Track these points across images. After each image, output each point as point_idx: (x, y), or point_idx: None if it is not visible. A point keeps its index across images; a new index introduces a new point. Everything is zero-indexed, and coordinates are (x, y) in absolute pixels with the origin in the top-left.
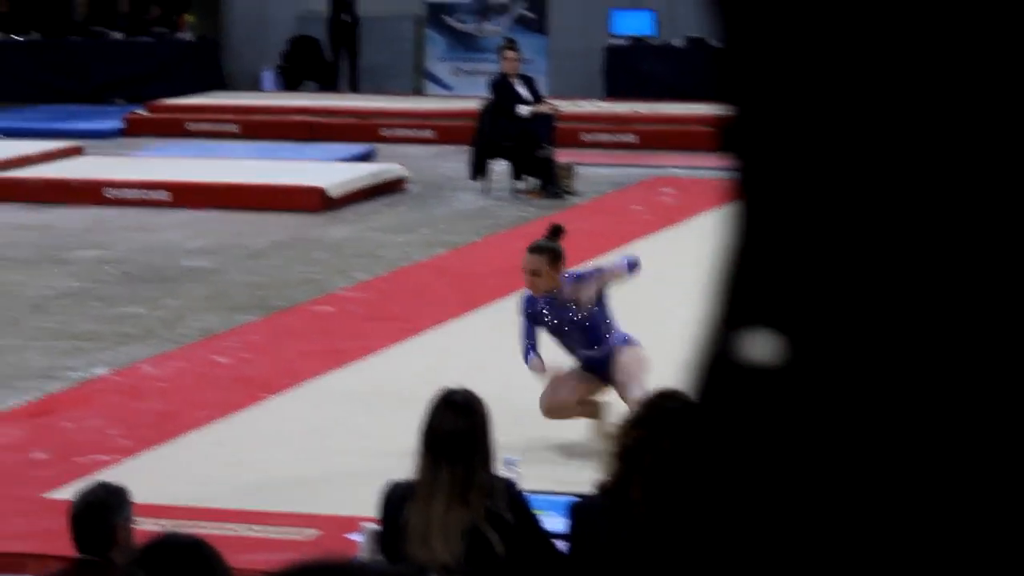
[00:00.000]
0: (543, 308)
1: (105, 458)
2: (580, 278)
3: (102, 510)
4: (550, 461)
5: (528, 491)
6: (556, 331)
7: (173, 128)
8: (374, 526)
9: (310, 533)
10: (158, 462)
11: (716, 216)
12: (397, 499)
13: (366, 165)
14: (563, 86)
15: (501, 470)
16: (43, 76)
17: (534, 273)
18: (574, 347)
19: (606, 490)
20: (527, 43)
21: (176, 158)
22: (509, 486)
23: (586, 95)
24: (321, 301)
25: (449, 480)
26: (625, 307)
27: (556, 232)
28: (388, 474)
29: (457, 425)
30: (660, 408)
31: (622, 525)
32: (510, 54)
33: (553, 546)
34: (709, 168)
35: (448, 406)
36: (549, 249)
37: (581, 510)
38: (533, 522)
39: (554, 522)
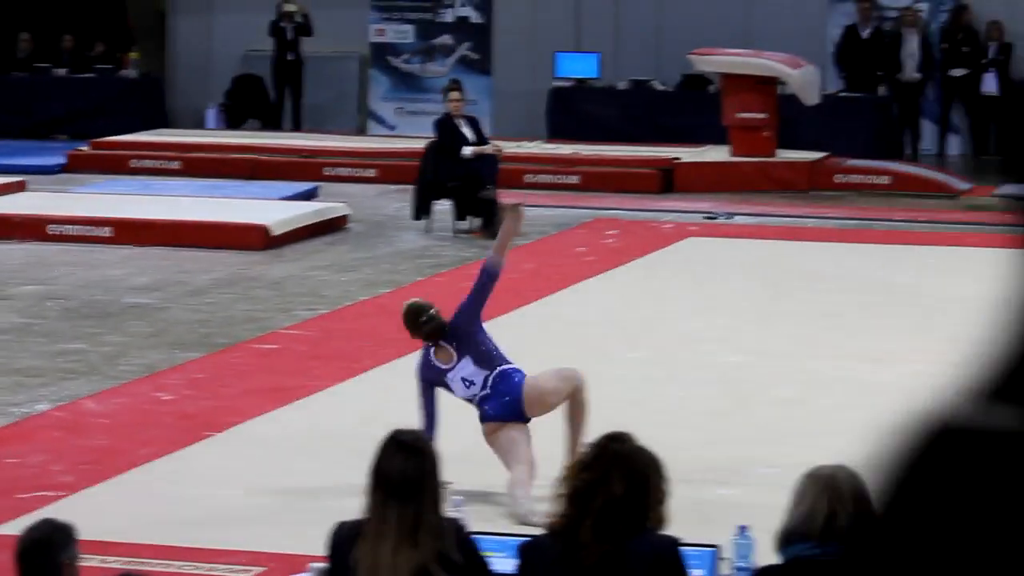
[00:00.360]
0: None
1: (48, 494)
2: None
3: (48, 547)
4: (497, 502)
5: (476, 532)
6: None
7: (116, 165)
8: (322, 565)
9: (256, 571)
10: (102, 498)
11: (660, 256)
12: (345, 539)
13: (308, 203)
14: (507, 127)
15: (449, 511)
16: None
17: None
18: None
19: (555, 532)
20: (471, 84)
21: (119, 194)
22: (458, 527)
23: (530, 136)
24: (264, 339)
25: (398, 520)
26: (568, 348)
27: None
28: (333, 512)
29: (406, 466)
30: (609, 450)
31: (571, 567)
32: (454, 95)
33: None
34: (651, 210)
35: (397, 446)
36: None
37: (530, 551)
38: (481, 563)
39: (503, 563)
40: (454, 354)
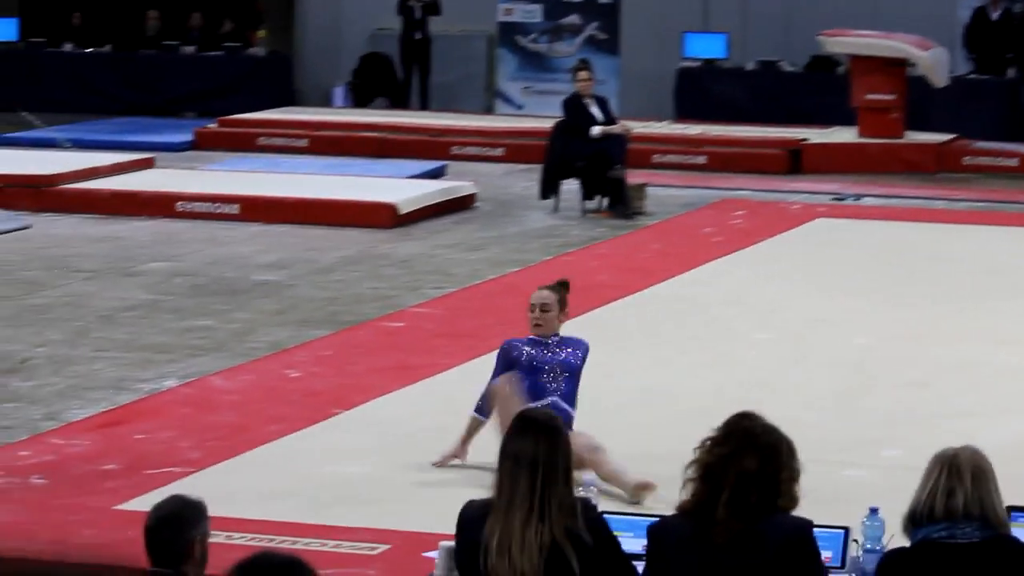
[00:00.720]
0: (525, 350)
1: (176, 470)
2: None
3: (178, 522)
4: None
5: (606, 512)
6: (531, 370)
7: (243, 143)
8: (450, 543)
9: (382, 548)
10: (229, 475)
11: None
12: (474, 517)
13: (436, 182)
14: (634, 107)
15: (579, 490)
16: (115, 89)
17: (545, 308)
18: (541, 392)
19: (686, 511)
20: (599, 64)
21: (247, 172)
22: (587, 506)
23: (657, 116)
24: (392, 317)
25: (529, 497)
26: (697, 329)
27: (564, 285)
28: (461, 490)
29: (538, 444)
30: (740, 427)
31: (702, 547)
32: (583, 74)
33: (631, 567)
34: (779, 191)
35: (529, 425)
36: (562, 288)
37: (659, 531)
38: (612, 543)
39: (632, 543)
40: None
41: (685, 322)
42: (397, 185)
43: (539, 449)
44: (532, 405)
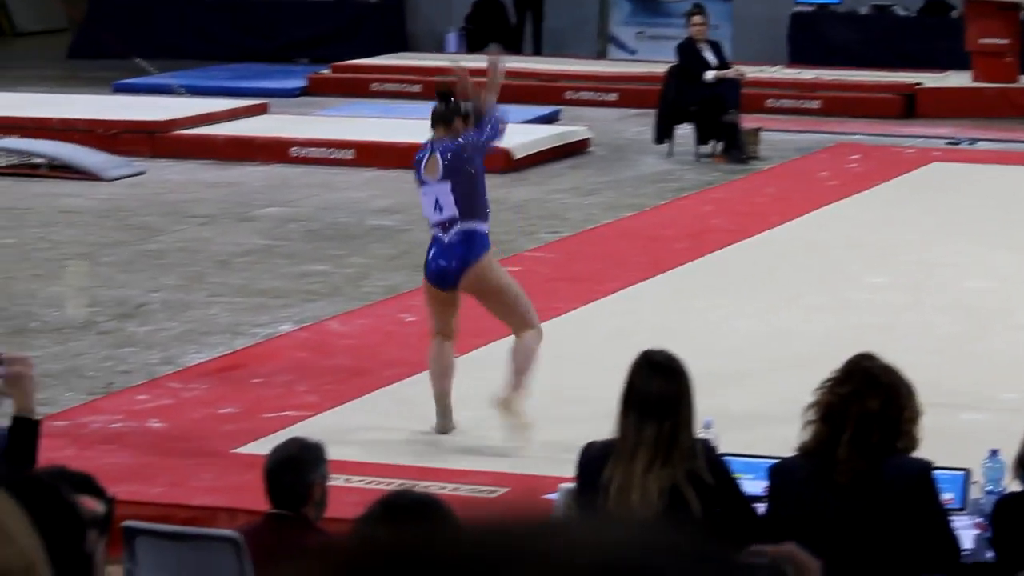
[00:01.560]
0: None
1: (292, 414)
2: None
3: (298, 466)
4: (746, 425)
5: (726, 454)
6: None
7: (356, 88)
8: (570, 486)
9: (501, 491)
10: (346, 419)
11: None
12: (595, 458)
13: (550, 127)
14: (748, 52)
15: (700, 432)
16: (228, 35)
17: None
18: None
19: (807, 451)
20: (712, 8)
21: (360, 117)
22: (708, 448)
23: (770, 61)
24: (507, 261)
25: (653, 439)
26: (812, 272)
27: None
28: (576, 433)
29: (662, 386)
30: (861, 367)
31: (824, 486)
32: (697, 19)
33: (752, 508)
34: (893, 136)
35: (652, 367)
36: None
37: (781, 472)
38: (732, 484)
39: (752, 485)
40: (440, 171)
41: (800, 266)
42: (510, 130)
43: (664, 392)
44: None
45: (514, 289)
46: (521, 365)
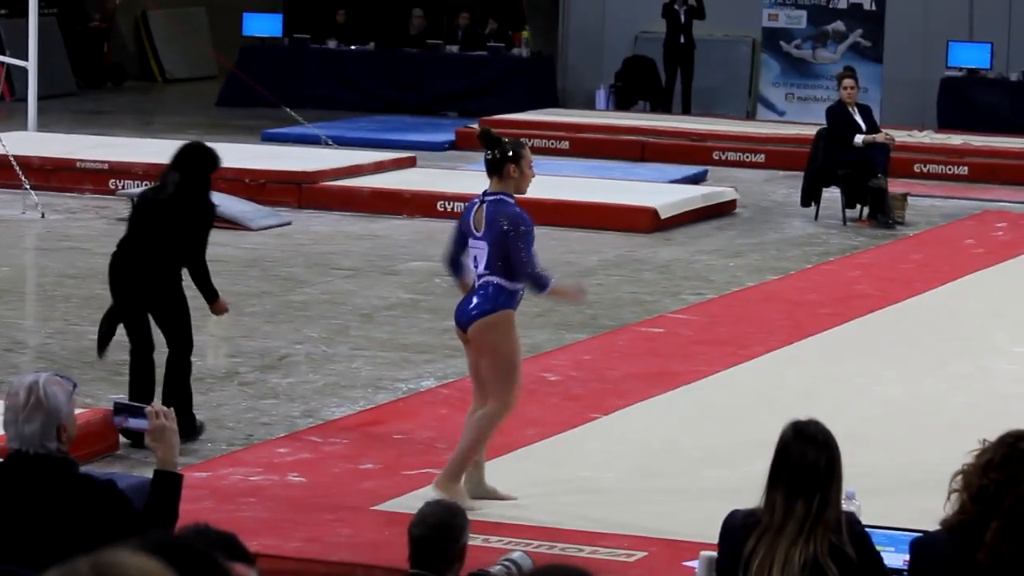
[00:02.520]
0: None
1: (433, 471)
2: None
3: (448, 532)
4: (888, 494)
5: (869, 526)
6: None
7: None
8: (711, 554)
9: (638, 555)
10: (486, 478)
11: None
12: (739, 527)
13: (697, 187)
14: (897, 115)
15: (843, 502)
16: (377, 87)
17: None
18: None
19: (953, 529)
20: (862, 71)
21: None
22: (851, 520)
23: (919, 125)
24: (651, 322)
25: (803, 515)
26: (956, 340)
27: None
28: (720, 499)
29: (814, 460)
30: (1019, 449)
31: (967, 566)
32: (848, 83)
33: None
34: None
35: (802, 438)
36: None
37: (923, 547)
38: (875, 559)
39: (893, 558)
40: (483, 227)
41: (945, 334)
42: (658, 189)
43: (815, 465)
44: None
45: (512, 360)
46: (471, 438)
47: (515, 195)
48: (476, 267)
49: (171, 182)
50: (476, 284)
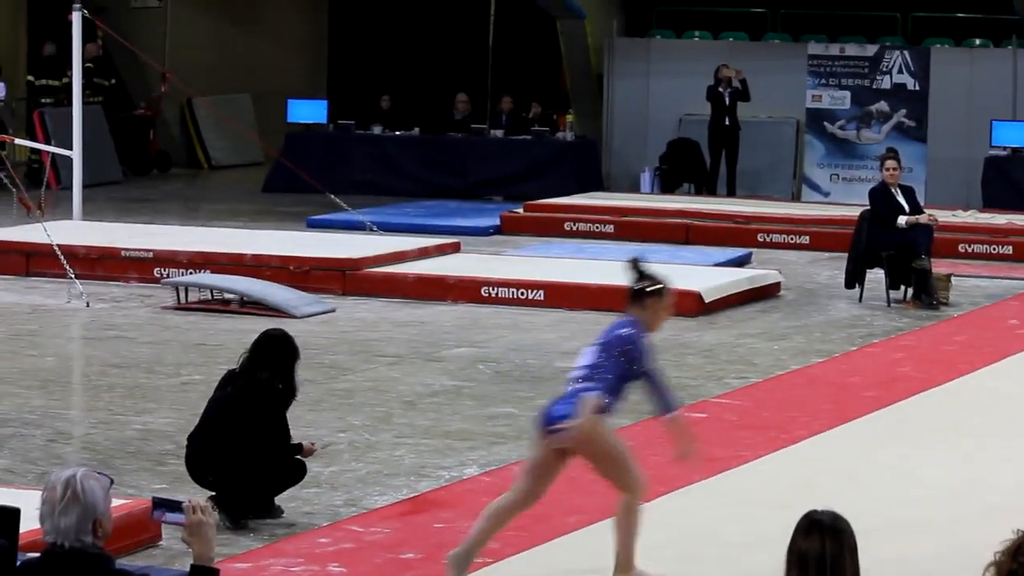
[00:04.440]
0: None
1: (476, 561)
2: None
3: None
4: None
5: None
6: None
7: (549, 227)
8: None
9: None
10: (527, 567)
11: None
12: None
13: (742, 270)
14: (941, 195)
15: None
16: (422, 172)
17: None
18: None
19: None
20: (906, 151)
21: (551, 257)
22: None
23: (964, 205)
24: (694, 407)
25: None
26: (1000, 423)
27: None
28: None
29: (826, 548)
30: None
31: None
32: (891, 163)
33: None
34: None
35: (815, 527)
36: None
37: None
38: None
39: None
40: (602, 336)
41: (989, 416)
42: (703, 272)
43: (827, 554)
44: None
45: (615, 452)
46: (623, 532)
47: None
48: (576, 366)
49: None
50: (568, 388)
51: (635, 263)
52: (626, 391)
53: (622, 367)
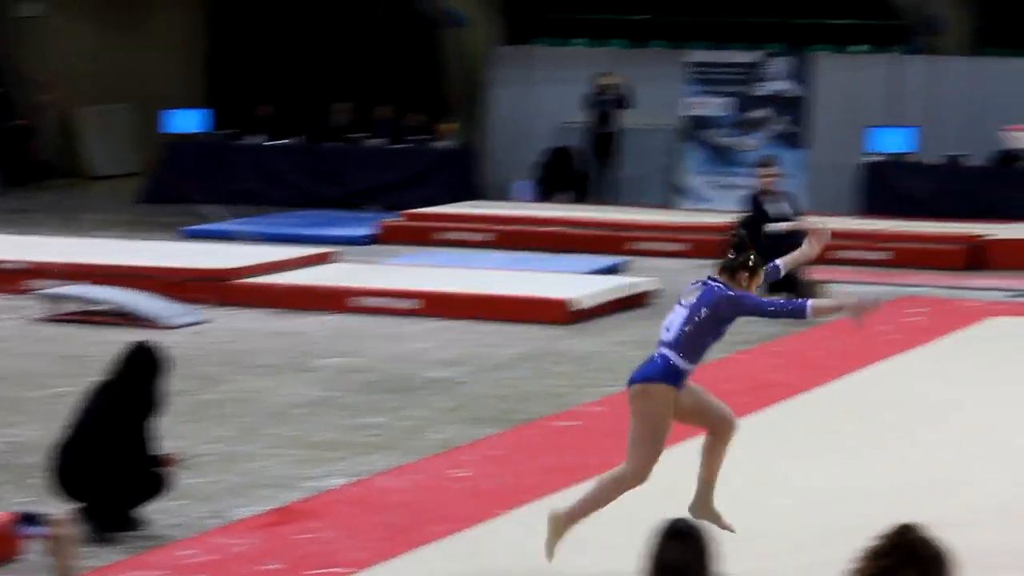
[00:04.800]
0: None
1: (338, 570)
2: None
3: None
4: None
5: None
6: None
7: (426, 236)
8: None
9: None
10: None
11: (964, 335)
12: None
13: (614, 278)
14: (822, 201)
15: None
16: (302, 181)
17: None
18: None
19: None
20: (787, 157)
21: (426, 267)
22: None
23: (845, 211)
24: (564, 416)
25: None
26: (868, 429)
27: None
28: None
29: (684, 555)
30: (905, 540)
31: None
32: (765, 170)
33: None
34: (960, 288)
35: (674, 535)
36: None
37: None
38: None
39: None
40: (693, 300)
41: (857, 422)
42: (575, 281)
43: (681, 562)
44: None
45: (653, 431)
46: (594, 494)
47: None
48: (665, 333)
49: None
50: (656, 351)
51: (741, 240)
52: (707, 351)
53: (707, 327)
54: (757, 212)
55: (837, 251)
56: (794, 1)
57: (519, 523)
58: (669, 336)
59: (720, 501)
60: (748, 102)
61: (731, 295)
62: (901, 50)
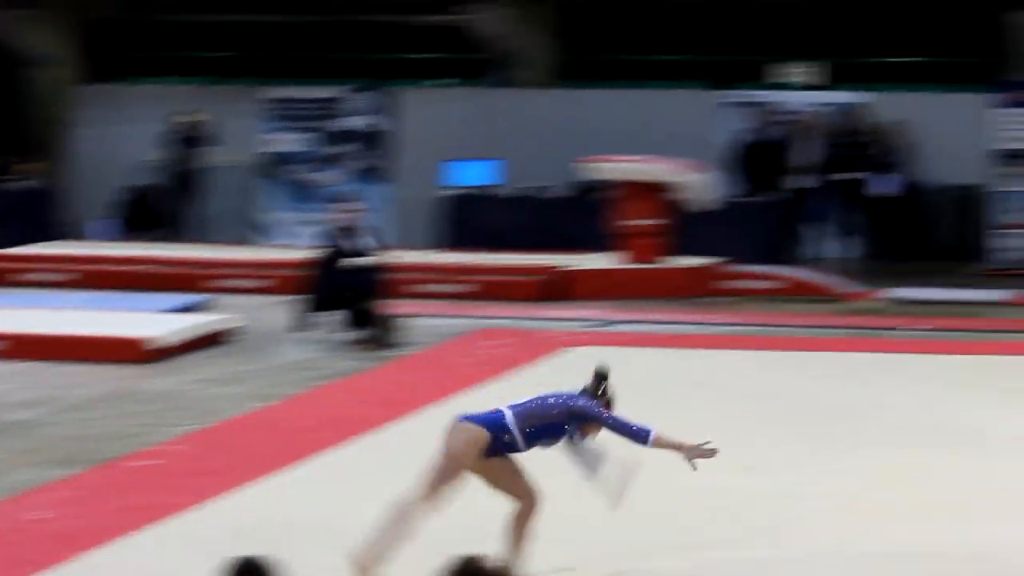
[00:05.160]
0: None
1: None
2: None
3: None
4: None
5: None
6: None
7: (5, 278)
8: None
9: None
10: None
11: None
12: None
13: (193, 316)
14: (407, 235)
15: None
16: None
17: None
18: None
19: None
20: (372, 192)
21: (7, 308)
22: None
23: (430, 245)
24: (145, 455)
25: None
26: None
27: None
28: None
29: None
30: (470, 570)
31: None
32: (343, 205)
33: None
34: (539, 319)
35: (243, 570)
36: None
37: None
38: None
39: None
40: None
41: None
42: (153, 319)
43: None
44: None
45: (446, 464)
46: (387, 529)
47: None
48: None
49: None
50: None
51: (603, 375)
52: (540, 442)
53: (553, 416)
54: (335, 248)
55: (418, 284)
56: (378, 37)
57: (96, 564)
58: (518, 402)
59: (291, 540)
60: (330, 138)
61: (583, 403)
62: (486, 83)
